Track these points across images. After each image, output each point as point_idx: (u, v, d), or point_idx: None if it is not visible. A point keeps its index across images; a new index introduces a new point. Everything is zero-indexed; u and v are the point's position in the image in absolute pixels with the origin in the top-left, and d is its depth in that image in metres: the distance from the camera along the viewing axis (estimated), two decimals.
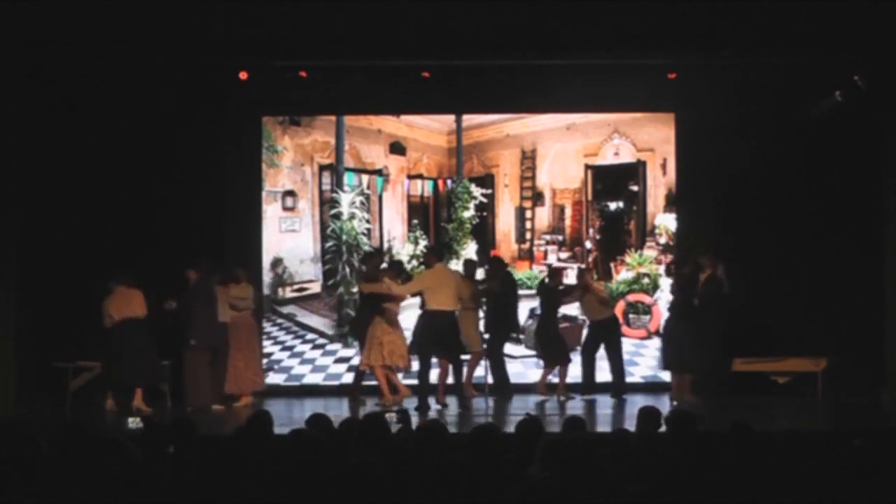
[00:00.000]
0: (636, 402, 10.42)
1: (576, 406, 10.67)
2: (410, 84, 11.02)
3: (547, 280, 11.29)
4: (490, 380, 10.96)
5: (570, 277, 12.00)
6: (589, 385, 11.11)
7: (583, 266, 12.00)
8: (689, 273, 10.81)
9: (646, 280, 12.20)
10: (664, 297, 11.69)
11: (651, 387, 11.30)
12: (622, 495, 3.63)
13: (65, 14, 9.13)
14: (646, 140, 12.48)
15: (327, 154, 12.67)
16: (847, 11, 9.28)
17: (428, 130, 13.01)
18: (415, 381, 10.44)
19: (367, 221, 12.67)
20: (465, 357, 10.82)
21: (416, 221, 12.89)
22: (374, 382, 10.67)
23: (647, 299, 12.37)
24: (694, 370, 10.66)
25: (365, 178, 12.78)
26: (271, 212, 12.33)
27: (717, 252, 11.44)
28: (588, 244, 12.65)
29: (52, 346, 10.50)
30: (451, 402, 10.58)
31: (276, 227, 12.38)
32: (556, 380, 11.12)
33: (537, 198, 12.77)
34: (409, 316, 12.60)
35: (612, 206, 12.74)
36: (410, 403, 10.08)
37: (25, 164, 10.71)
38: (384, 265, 11.01)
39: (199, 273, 10.47)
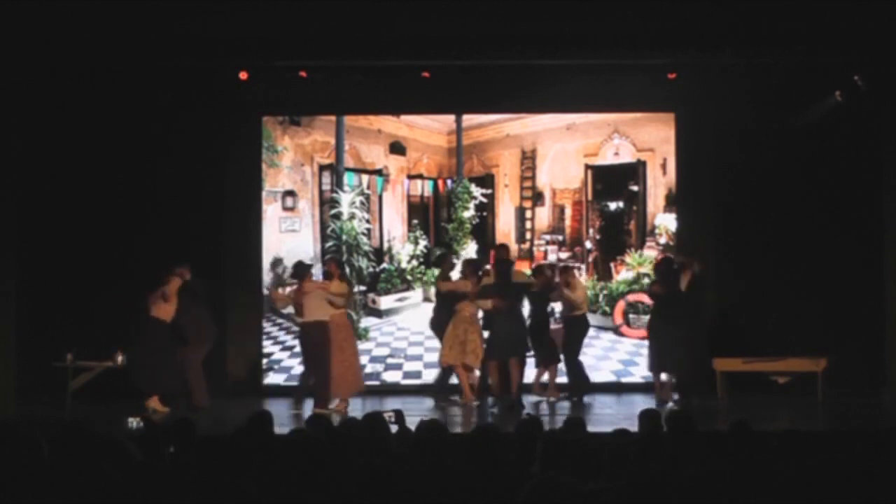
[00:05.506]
0: (635, 403, 10.47)
1: (564, 406, 10.73)
2: (410, 84, 11.02)
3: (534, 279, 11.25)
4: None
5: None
6: (577, 385, 11.11)
7: (565, 266, 11.97)
8: (669, 273, 10.81)
9: (646, 280, 12.18)
10: None
11: (651, 387, 11.27)
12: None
13: (65, 13, 9.12)
14: (646, 140, 12.47)
15: (327, 154, 12.67)
16: (847, 11, 9.28)
17: (428, 130, 12.99)
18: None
19: (367, 221, 12.66)
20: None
21: (416, 221, 12.87)
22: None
23: (647, 299, 12.34)
24: (678, 371, 10.73)
25: (365, 178, 12.77)
26: (271, 212, 12.33)
27: (717, 252, 11.45)
28: (588, 244, 12.63)
29: (52, 346, 10.48)
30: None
31: (276, 227, 12.37)
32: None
33: (537, 198, 12.75)
34: (408, 316, 12.65)
35: (612, 206, 12.72)
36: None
37: (26, 164, 10.71)
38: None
39: (190, 272, 10.46)
